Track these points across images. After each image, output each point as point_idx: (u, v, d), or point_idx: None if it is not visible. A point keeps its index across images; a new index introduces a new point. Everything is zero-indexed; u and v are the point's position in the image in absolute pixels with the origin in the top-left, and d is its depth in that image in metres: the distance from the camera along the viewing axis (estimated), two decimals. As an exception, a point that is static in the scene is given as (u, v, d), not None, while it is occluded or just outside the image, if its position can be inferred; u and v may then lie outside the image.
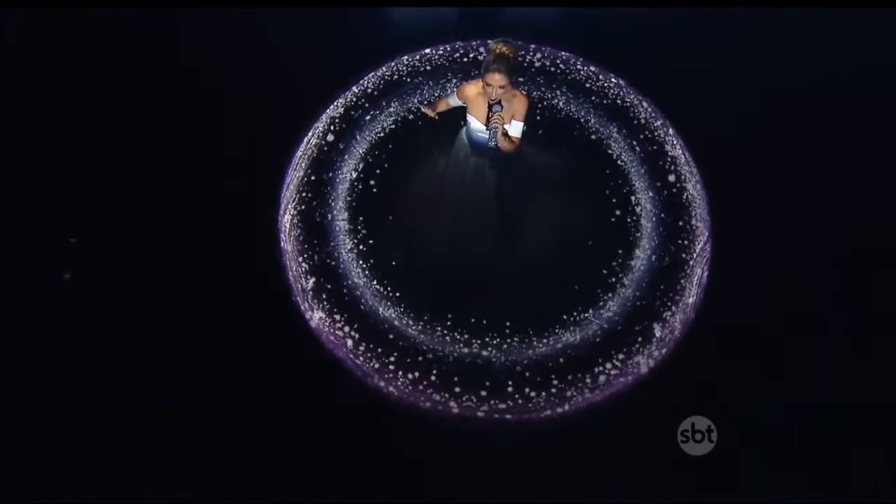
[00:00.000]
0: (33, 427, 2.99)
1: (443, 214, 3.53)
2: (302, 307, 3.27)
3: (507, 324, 3.26)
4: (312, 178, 3.51)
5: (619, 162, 3.63)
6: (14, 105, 3.62)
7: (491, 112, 2.93)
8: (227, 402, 3.06)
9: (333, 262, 3.36)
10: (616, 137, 3.66)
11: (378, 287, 3.35)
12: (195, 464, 2.96)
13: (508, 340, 3.23)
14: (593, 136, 3.68)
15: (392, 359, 3.16)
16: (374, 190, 3.54)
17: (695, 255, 3.39)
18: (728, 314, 3.28)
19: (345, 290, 3.30)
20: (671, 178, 3.54)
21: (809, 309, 3.31)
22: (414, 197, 3.55)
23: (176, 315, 3.24)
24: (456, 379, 3.12)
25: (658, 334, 3.24)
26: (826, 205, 3.50)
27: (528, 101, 3.04)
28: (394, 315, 3.28)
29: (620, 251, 3.44)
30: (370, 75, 3.74)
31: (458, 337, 3.24)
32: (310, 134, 3.62)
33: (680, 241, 3.42)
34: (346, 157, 3.60)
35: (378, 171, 3.58)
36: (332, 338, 3.21)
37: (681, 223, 3.45)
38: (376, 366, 3.15)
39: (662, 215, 3.48)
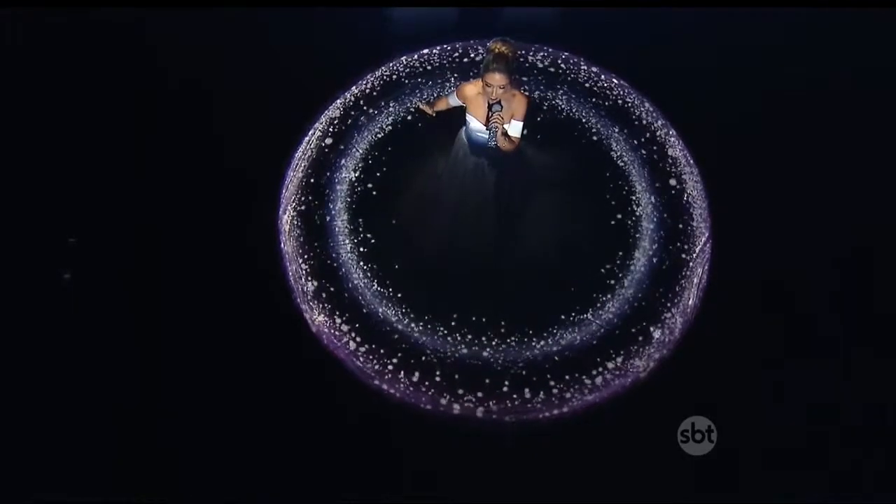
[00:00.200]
0: (33, 427, 2.99)
1: (442, 214, 3.53)
2: (302, 308, 3.27)
3: (507, 324, 3.26)
4: (312, 178, 3.51)
5: (619, 162, 3.63)
6: (14, 105, 3.62)
7: (491, 112, 2.93)
8: (227, 402, 3.06)
9: (333, 263, 3.36)
10: (617, 138, 3.66)
11: (378, 288, 3.35)
12: (196, 464, 2.96)
13: (508, 341, 3.23)
14: (594, 137, 3.68)
15: (392, 359, 3.16)
16: (374, 191, 3.54)
17: (695, 256, 3.39)
18: (728, 314, 3.28)
19: (345, 291, 3.30)
20: (671, 178, 3.54)
21: (809, 309, 3.31)
22: (414, 197, 3.55)
23: (176, 315, 3.24)
24: (456, 379, 3.12)
25: (658, 335, 3.24)
26: (826, 205, 3.50)
27: (527, 100, 3.04)
28: (394, 315, 3.28)
29: (620, 252, 3.43)
30: (370, 75, 3.75)
31: (459, 337, 3.24)
32: (309, 134, 3.62)
33: (680, 242, 3.42)
34: (346, 157, 3.60)
35: (377, 172, 3.58)
36: (332, 339, 3.21)
37: (681, 224, 3.45)
38: (376, 366, 3.15)
39: (662, 216, 3.48)
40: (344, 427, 3.06)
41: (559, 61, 3.79)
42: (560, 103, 3.74)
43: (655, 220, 3.48)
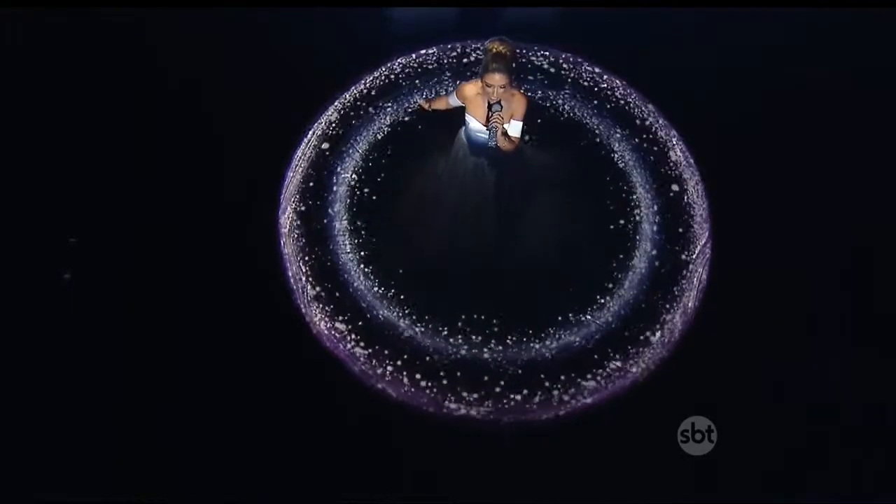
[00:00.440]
0: (33, 427, 2.99)
1: (442, 215, 3.52)
2: (302, 308, 3.27)
3: (507, 325, 3.26)
4: (312, 179, 3.51)
5: (619, 163, 3.63)
6: (14, 105, 3.62)
7: (491, 112, 2.93)
8: (227, 402, 3.06)
9: (333, 264, 3.36)
10: (617, 138, 3.66)
11: (378, 288, 3.35)
12: (196, 464, 2.96)
13: (508, 341, 3.23)
14: (594, 137, 3.68)
15: (391, 359, 3.16)
16: (374, 191, 3.54)
17: (695, 256, 3.39)
18: (728, 314, 3.28)
19: (344, 291, 3.30)
20: (672, 179, 3.55)
21: (809, 309, 3.31)
22: (413, 197, 3.55)
23: (176, 315, 3.24)
24: (456, 380, 3.12)
25: (658, 335, 3.24)
26: (826, 205, 3.50)
27: (527, 100, 3.04)
28: (394, 316, 3.28)
29: (621, 252, 3.43)
30: (369, 75, 3.75)
31: (459, 338, 3.24)
32: (309, 134, 3.62)
33: (680, 242, 3.42)
34: (346, 157, 3.60)
35: (377, 172, 3.58)
36: (332, 339, 3.21)
37: (681, 224, 3.45)
38: (376, 366, 3.15)
39: (663, 216, 3.48)
40: (344, 427, 3.06)
41: (560, 61, 3.79)
42: (561, 103, 3.74)
43: (656, 221, 3.48)
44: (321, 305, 3.26)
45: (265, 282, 3.31)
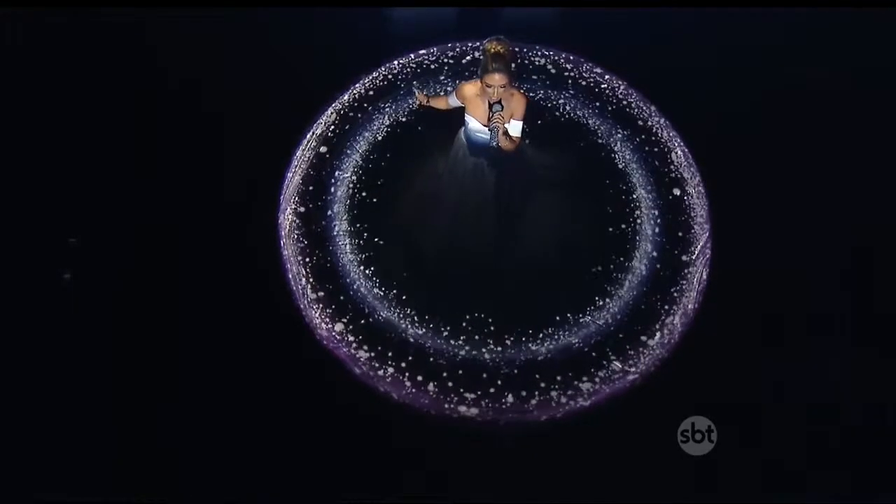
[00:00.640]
0: (33, 427, 2.99)
1: (442, 215, 3.52)
2: (302, 308, 3.27)
3: (507, 325, 3.26)
4: (311, 180, 3.51)
5: (619, 163, 3.63)
6: (14, 105, 3.62)
7: (492, 112, 2.92)
8: (227, 402, 3.06)
9: (333, 264, 3.36)
10: (617, 139, 3.66)
11: (377, 289, 3.35)
12: (196, 464, 2.96)
13: (508, 342, 3.23)
14: (594, 138, 3.68)
15: (391, 360, 3.16)
16: (374, 192, 3.54)
17: (694, 257, 3.39)
18: (728, 314, 3.28)
19: (344, 292, 3.30)
20: (672, 179, 3.55)
21: (809, 309, 3.31)
22: (413, 198, 3.55)
23: (176, 315, 3.24)
24: (456, 380, 3.12)
25: (658, 335, 3.24)
26: (826, 205, 3.50)
27: (526, 99, 3.04)
28: (394, 316, 3.28)
29: (621, 252, 3.43)
30: (369, 76, 3.75)
31: (459, 338, 3.24)
32: (308, 135, 3.62)
33: (680, 243, 3.42)
34: (346, 158, 3.60)
35: (377, 173, 3.58)
36: (332, 339, 3.21)
37: (681, 224, 3.45)
38: (376, 366, 3.15)
39: (663, 217, 3.48)
40: (344, 427, 3.05)
41: (561, 61, 3.79)
42: (562, 104, 3.74)
43: (655, 220, 3.48)
44: (321, 306, 3.26)
45: (265, 282, 3.31)
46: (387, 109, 3.70)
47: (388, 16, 4.01)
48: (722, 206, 3.49)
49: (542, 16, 3.99)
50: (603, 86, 3.75)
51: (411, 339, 3.22)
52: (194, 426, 3.02)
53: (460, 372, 3.15)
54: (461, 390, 3.11)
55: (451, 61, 3.78)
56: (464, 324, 3.26)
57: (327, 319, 3.24)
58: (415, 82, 3.32)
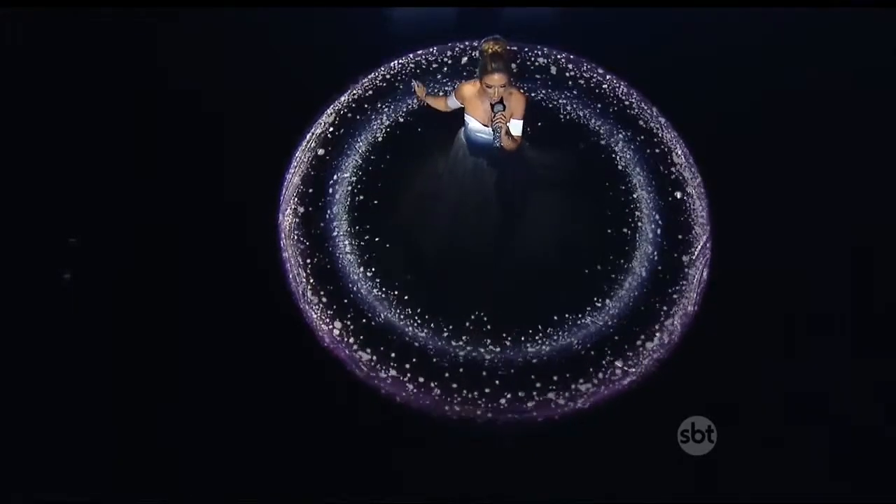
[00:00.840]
0: (33, 427, 2.99)
1: (442, 215, 3.52)
2: (302, 309, 3.27)
3: (507, 325, 3.26)
4: (311, 180, 3.51)
5: (619, 164, 3.62)
6: (14, 105, 3.62)
7: (494, 112, 2.92)
8: (227, 402, 3.06)
9: (333, 265, 3.36)
10: (617, 139, 3.66)
11: (377, 290, 3.35)
12: (196, 464, 2.96)
13: (507, 342, 3.23)
14: (594, 138, 3.68)
15: (391, 360, 3.16)
16: (374, 192, 3.54)
17: (694, 257, 3.39)
18: (728, 314, 3.28)
19: (344, 292, 3.30)
20: (672, 179, 3.54)
21: (809, 309, 3.31)
22: (413, 198, 3.55)
23: (176, 316, 3.24)
24: (456, 380, 3.13)
25: (658, 336, 3.24)
26: (826, 205, 3.50)
27: (525, 98, 3.04)
28: (394, 317, 3.28)
29: (621, 254, 3.43)
30: (369, 76, 3.74)
31: (459, 338, 3.24)
32: (308, 136, 3.62)
33: (680, 242, 3.42)
34: (346, 158, 3.60)
35: (377, 174, 3.57)
36: (332, 340, 3.21)
37: (681, 225, 3.45)
38: (376, 367, 3.15)
39: (663, 217, 3.48)
40: (344, 427, 3.06)
41: (561, 61, 3.79)
42: (563, 104, 3.73)
43: (655, 220, 3.48)
44: (321, 306, 3.26)
45: (265, 282, 3.31)
46: (386, 110, 3.70)
47: (388, 16, 4.01)
48: (722, 206, 3.49)
49: (542, 16, 3.99)
50: (604, 86, 3.75)
51: (411, 340, 3.22)
52: (194, 426, 3.02)
53: (460, 371, 3.15)
54: (461, 390, 3.11)
55: (450, 61, 3.78)
56: (464, 324, 3.26)
57: (327, 320, 3.24)
58: (415, 84, 3.33)
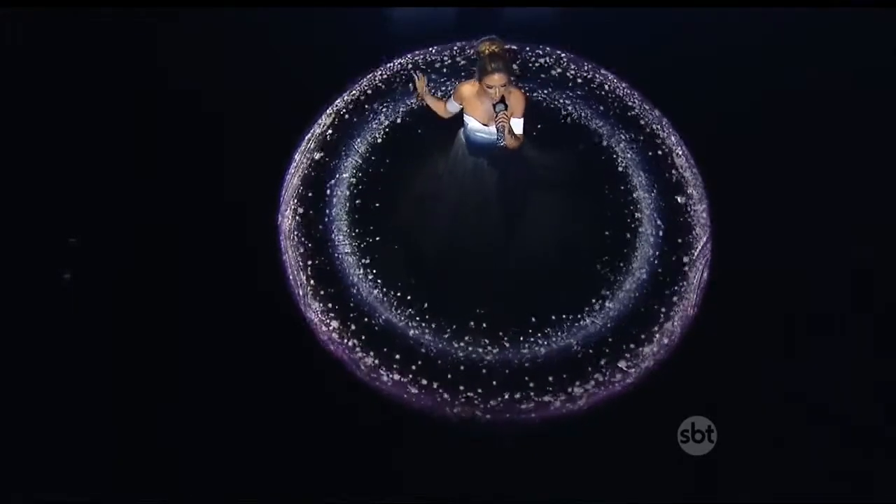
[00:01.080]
0: (33, 427, 2.99)
1: (442, 215, 3.52)
2: (302, 309, 3.27)
3: (507, 325, 3.26)
4: (311, 181, 3.51)
5: (619, 164, 3.62)
6: (14, 105, 3.62)
7: (496, 112, 2.91)
8: (227, 402, 3.06)
9: (333, 265, 3.36)
10: (617, 139, 3.66)
11: (377, 290, 3.35)
12: (196, 464, 2.96)
13: (508, 342, 3.23)
14: (595, 139, 3.68)
15: (392, 360, 3.16)
16: (374, 193, 3.54)
17: (694, 257, 3.39)
18: (728, 314, 3.28)
19: (344, 293, 3.30)
20: (672, 179, 3.54)
21: (809, 309, 3.31)
22: (413, 198, 3.55)
23: (176, 316, 3.24)
24: (457, 380, 3.13)
25: (658, 335, 3.24)
26: (826, 205, 3.50)
27: (524, 96, 3.03)
28: (394, 317, 3.28)
29: (621, 253, 3.43)
30: (369, 76, 3.75)
31: (459, 338, 3.24)
32: (309, 135, 3.62)
33: (680, 243, 3.42)
34: (345, 158, 3.60)
35: (377, 173, 3.57)
36: (332, 340, 3.21)
37: (682, 226, 3.45)
38: (377, 367, 3.15)
39: (663, 217, 3.48)
40: (344, 427, 3.06)
41: (562, 62, 3.79)
42: (563, 104, 3.73)
43: (655, 220, 3.48)
44: (321, 306, 3.26)
45: (265, 282, 3.31)
46: (386, 110, 3.69)
47: (388, 16, 4.01)
48: (722, 206, 3.49)
49: (542, 16, 3.99)
50: (606, 87, 3.75)
51: (411, 340, 3.22)
52: (194, 426, 3.02)
53: (460, 371, 3.15)
54: (461, 391, 3.11)
55: (449, 61, 3.78)
56: (464, 324, 3.26)
57: (327, 320, 3.24)
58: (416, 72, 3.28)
